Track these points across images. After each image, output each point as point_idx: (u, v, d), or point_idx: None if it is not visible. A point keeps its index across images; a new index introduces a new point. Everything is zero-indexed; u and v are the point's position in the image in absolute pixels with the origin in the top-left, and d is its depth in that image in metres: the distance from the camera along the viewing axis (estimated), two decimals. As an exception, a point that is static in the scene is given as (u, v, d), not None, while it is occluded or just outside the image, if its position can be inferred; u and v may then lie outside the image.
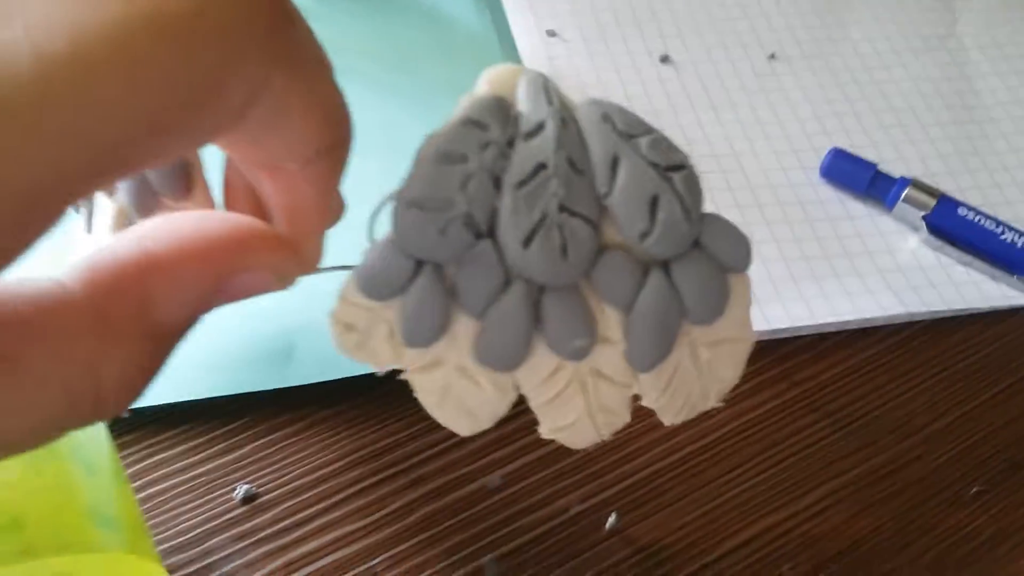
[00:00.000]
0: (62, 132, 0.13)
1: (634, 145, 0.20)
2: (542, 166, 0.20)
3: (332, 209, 0.22)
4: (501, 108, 0.20)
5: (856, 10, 0.52)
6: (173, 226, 0.18)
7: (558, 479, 0.34)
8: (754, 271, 0.39)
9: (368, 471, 0.33)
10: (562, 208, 0.19)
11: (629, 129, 0.20)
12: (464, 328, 0.21)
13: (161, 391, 0.33)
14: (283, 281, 0.20)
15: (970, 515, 0.35)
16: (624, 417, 0.23)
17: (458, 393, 0.22)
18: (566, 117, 0.20)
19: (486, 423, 0.22)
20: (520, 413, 0.34)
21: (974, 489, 0.36)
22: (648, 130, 0.21)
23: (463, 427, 0.23)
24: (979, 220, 0.42)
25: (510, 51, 0.47)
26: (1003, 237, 0.41)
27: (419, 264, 0.20)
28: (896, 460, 0.36)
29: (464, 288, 0.20)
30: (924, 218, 0.42)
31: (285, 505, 0.32)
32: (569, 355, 0.21)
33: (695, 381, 0.22)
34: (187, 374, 0.33)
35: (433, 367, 0.21)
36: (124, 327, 0.17)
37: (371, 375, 0.32)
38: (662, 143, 0.20)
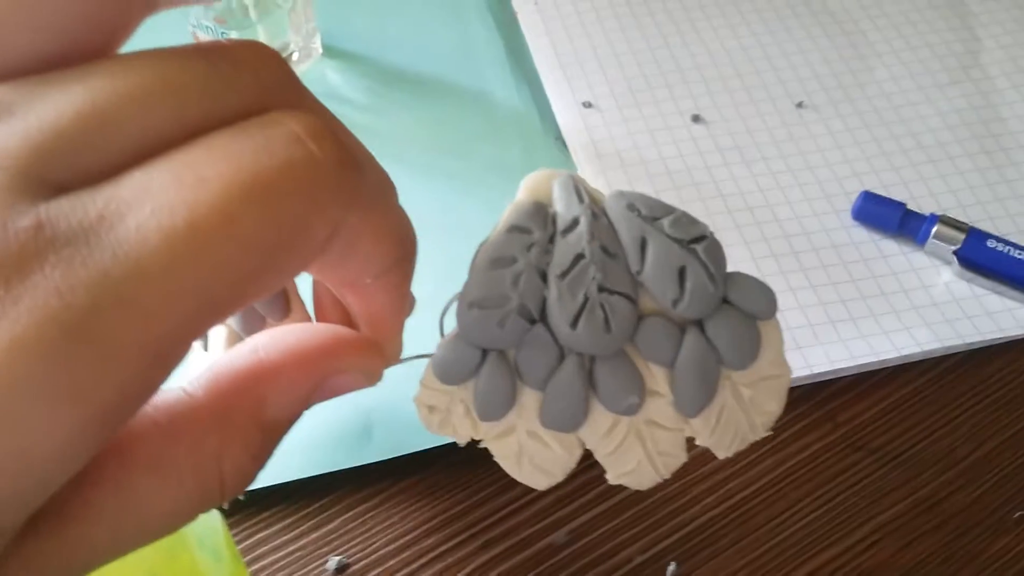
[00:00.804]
0: (184, 290, 0.16)
1: (658, 226, 0.23)
2: (580, 256, 0.23)
3: (405, 308, 0.25)
4: (539, 211, 0.23)
5: (879, 51, 0.54)
6: (280, 337, 0.22)
7: (619, 532, 0.36)
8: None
9: (444, 536, 0.36)
10: (601, 289, 0.23)
11: (652, 212, 0.23)
12: (530, 399, 0.24)
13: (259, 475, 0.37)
14: (371, 378, 0.24)
15: (1015, 539, 0.37)
16: (681, 457, 0.26)
17: (531, 454, 0.25)
18: (596, 211, 0.23)
19: (559, 477, 0.26)
20: (581, 472, 0.37)
21: (1017, 514, 0.37)
22: (670, 211, 0.24)
23: (540, 483, 0.26)
24: (1009, 250, 0.43)
25: (550, 124, 0.50)
26: (1033, 265, 0.43)
27: (484, 352, 0.23)
28: (940, 491, 0.38)
29: (525, 367, 0.24)
30: (955, 252, 0.44)
31: (372, 573, 0.35)
32: (623, 411, 0.24)
33: (741, 417, 0.25)
34: (278, 458, 0.37)
35: (506, 434, 0.25)
36: (242, 424, 0.21)
37: (442, 447, 0.35)
38: (683, 220, 0.24)
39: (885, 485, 0.38)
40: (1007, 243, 0.44)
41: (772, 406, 0.25)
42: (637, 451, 0.25)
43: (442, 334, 0.24)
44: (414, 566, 0.35)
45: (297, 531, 0.36)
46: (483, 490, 0.37)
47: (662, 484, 0.37)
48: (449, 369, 0.24)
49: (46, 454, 0.15)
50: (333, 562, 0.35)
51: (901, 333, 0.42)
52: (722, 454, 0.26)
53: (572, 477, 0.37)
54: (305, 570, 0.35)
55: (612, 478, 0.26)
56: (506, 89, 0.51)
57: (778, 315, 0.24)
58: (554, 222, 0.23)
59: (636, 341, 0.24)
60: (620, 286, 0.23)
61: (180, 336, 0.16)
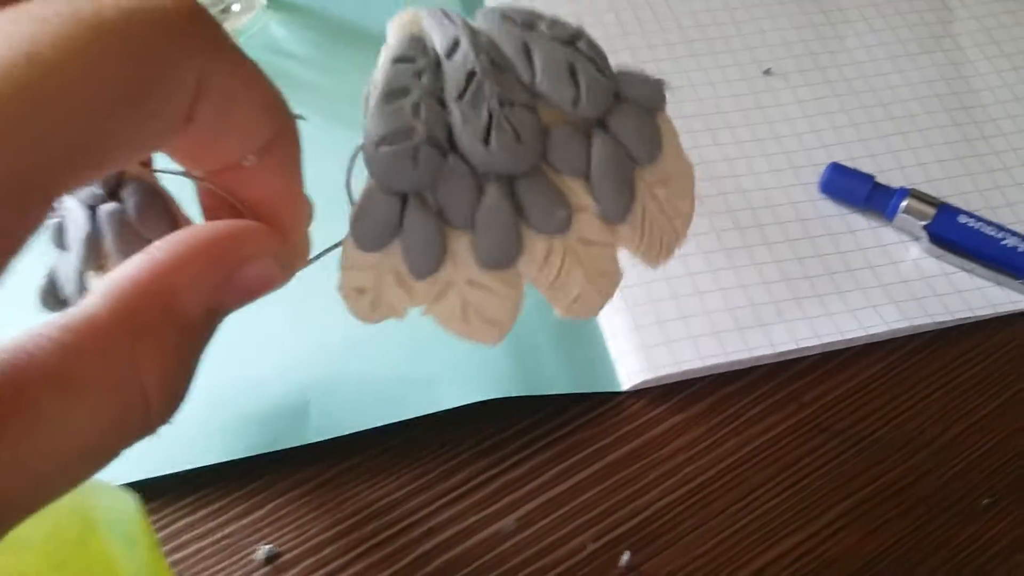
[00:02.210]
0: (29, 128, 0.15)
1: (538, 32, 0.22)
2: (472, 73, 0.22)
3: (303, 206, 0.23)
4: (417, 41, 0.22)
5: (850, 18, 0.52)
6: (173, 238, 0.20)
7: (571, 518, 0.34)
8: (756, 293, 0.40)
9: (384, 523, 0.34)
10: (502, 102, 0.21)
11: (527, 20, 0.22)
12: (460, 245, 0.22)
13: (180, 456, 0.34)
14: (285, 271, 0.21)
15: (983, 526, 0.35)
16: (619, 274, 0.24)
17: (476, 305, 0.23)
18: (473, 29, 0.22)
19: (508, 325, 0.24)
20: (527, 457, 0.35)
21: (986, 500, 0.36)
22: (540, 15, 0.23)
23: (491, 336, 0.24)
24: (980, 227, 0.42)
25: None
26: (1005, 242, 0.41)
27: (404, 200, 0.22)
28: (907, 476, 0.36)
29: (448, 205, 0.22)
30: (925, 227, 0.42)
31: (306, 562, 0.33)
32: (556, 229, 0.23)
33: (664, 221, 0.24)
34: (205, 438, 0.35)
35: (445, 292, 0.23)
36: (152, 322, 0.18)
37: (384, 428, 0.33)
38: (556, 22, 0.23)
39: (850, 469, 0.36)
40: (979, 219, 0.42)
41: (686, 205, 0.25)
42: (578, 275, 0.24)
43: (351, 200, 0.22)
44: (351, 555, 0.33)
45: (223, 518, 0.34)
46: (427, 474, 0.35)
47: (618, 466, 0.35)
48: (369, 228, 0.22)
49: None
50: (263, 551, 0.33)
51: (868, 311, 0.40)
52: (653, 264, 0.25)
53: (521, 461, 0.35)
54: (231, 560, 0.33)
55: (562, 310, 0.24)
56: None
57: (741, 287, 0.23)
58: (434, 50, 0.22)
59: (549, 158, 0.23)
60: (519, 97, 0.22)
61: (32, 180, 0.15)
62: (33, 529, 0.24)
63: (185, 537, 0.33)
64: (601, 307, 0.25)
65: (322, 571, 0.33)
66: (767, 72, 0.49)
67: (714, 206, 0.43)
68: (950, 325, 0.41)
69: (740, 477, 0.36)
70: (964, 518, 0.36)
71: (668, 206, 0.24)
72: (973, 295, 0.41)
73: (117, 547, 0.25)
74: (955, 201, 0.43)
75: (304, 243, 0.23)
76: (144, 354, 0.18)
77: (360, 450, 0.35)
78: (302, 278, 0.24)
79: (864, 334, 0.40)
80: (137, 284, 0.18)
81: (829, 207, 0.44)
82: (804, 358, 0.39)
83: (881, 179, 0.43)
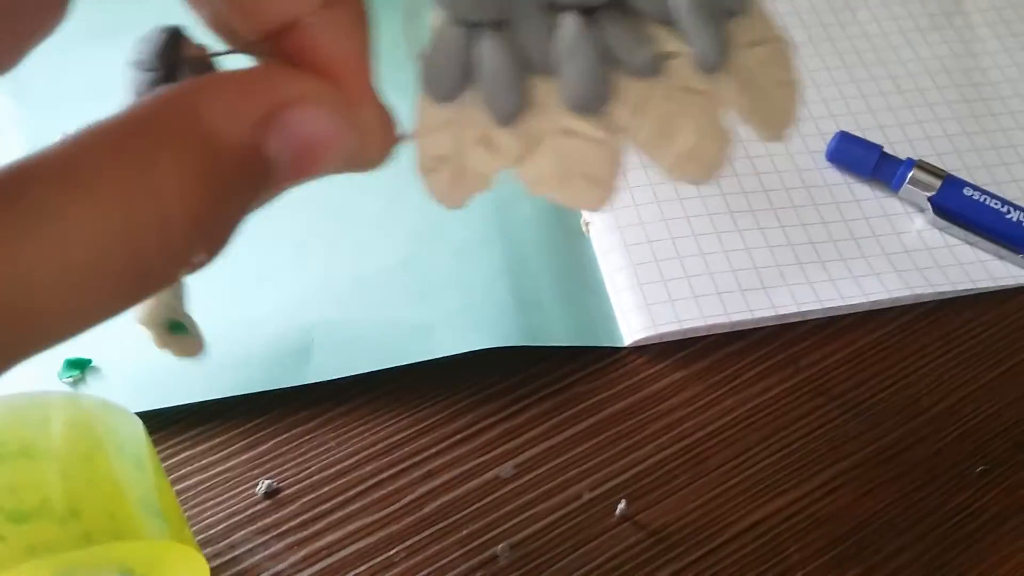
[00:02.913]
0: None
1: None
2: None
3: (368, 59, 0.19)
4: None
5: (863, -9, 0.52)
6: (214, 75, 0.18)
7: (568, 468, 0.35)
8: (760, 256, 0.40)
9: (384, 464, 0.34)
10: None
11: None
12: (544, 93, 0.20)
13: (184, 390, 0.34)
14: (349, 134, 0.18)
15: (975, 494, 0.36)
16: (731, 135, 0.22)
17: (573, 158, 0.21)
18: None
19: (612, 183, 0.21)
20: (527, 407, 0.36)
21: (979, 468, 0.36)
22: None
23: (595, 198, 0.21)
24: (985, 200, 0.42)
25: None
26: (1009, 216, 0.42)
27: (475, 33, 0.20)
28: (902, 441, 0.37)
29: (525, 45, 0.20)
30: (930, 199, 0.42)
31: (305, 499, 0.33)
32: (644, 67, 0.20)
33: (766, 81, 0.22)
34: (209, 373, 0.35)
35: (536, 146, 0.21)
36: (173, 127, 0.16)
37: (387, 371, 0.33)
38: None
39: (846, 432, 0.37)
40: (984, 192, 0.42)
41: (787, 74, 0.22)
42: (685, 125, 0.21)
43: (415, 52, 0.20)
44: (350, 493, 0.33)
45: (226, 451, 0.34)
46: (427, 419, 0.35)
47: (617, 420, 0.36)
48: (442, 70, 0.20)
49: None
50: (263, 485, 0.33)
51: (871, 279, 0.41)
52: (769, 135, 0.22)
53: (522, 410, 0.36)
54: (233, 492, 0.33)
55: (668, 168, 0.21)
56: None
57: (745, 250, 0.22)
58: None
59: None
60: None
61: None
62: (41, 439, 0.24)
63: (186, 469, 0.33)
64: (716, 169, 0.21)
65: (321, 508, 0.33)
66: (778, 41, 0.49)
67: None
68: (951, 296, 0.41)
69: (737, 435, 0.36)
70: (957, 485, 0.36)
71: (769, 70, 0.22)
72: (975, 267, 0.42)
73: (124, 466, 0.25)
74: (961, 175, 0.44)
75: (378, 118, 0.20)
76: (161, 163, 0.15)
77: (361, 392, 0.36)
78: (305, 215, 0.24)
79: (865, 300, 0.40)
80: (163, 97, 0.16)
81: (835, 176, 0.44)
82: (805, 322, 0.40)
83: (887, 150, 0.44)
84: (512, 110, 0.20)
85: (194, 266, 0.16)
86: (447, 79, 0.20)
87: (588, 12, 0.20)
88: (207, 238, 0.16)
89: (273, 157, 0.17)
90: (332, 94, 0.18)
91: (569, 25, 0.20)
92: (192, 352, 0.27)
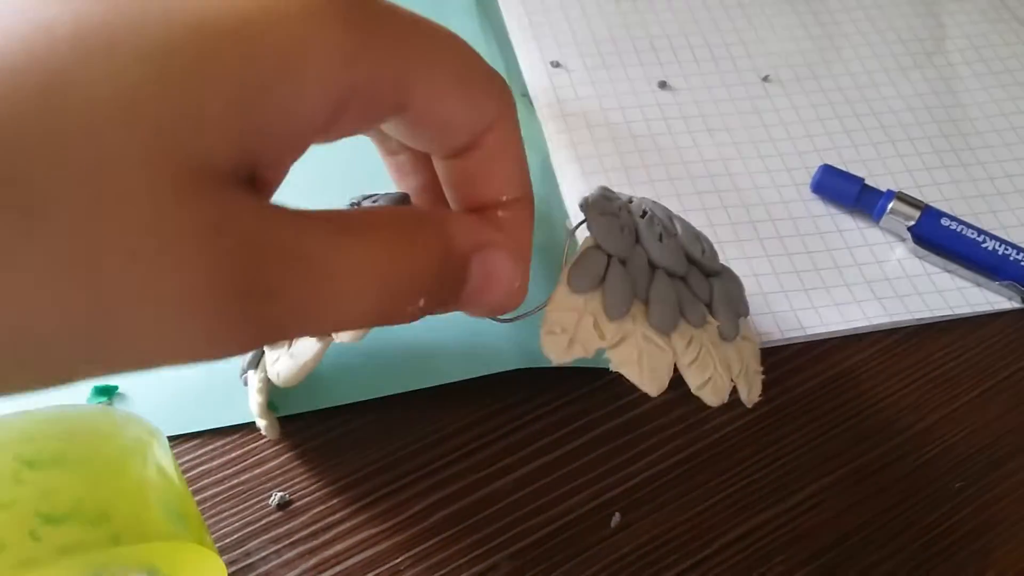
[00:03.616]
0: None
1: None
2: (645, 211, 0.33)
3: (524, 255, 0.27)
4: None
5: (847, 31, 0.54)
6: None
7: (565, 482, 0.37)
8: (747, 284, 0.42)
9: (390, 478, 0.36)
10: (661, 229, 0.32)
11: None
12: (638, 310, 0.31)
13: (204, 417, 0.37)
14: (516, 283, 0.26)
15: (952, 509, 0.37)
16: (727, 383, 0.33)
17: (647, 355, 0.30)
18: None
19: (665, 381, 0.31)
20: (526, 424, 0.37)
21: (957, 485, 0.38)
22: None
23: (654, 386, 0.31)
24: (962, 230, 0.44)
25: (516, 80, 0.50)
26: (985, 245, 0.44)
27: (608, 260, 0.30)
28: (883, 459, 0.39)
29: (634, 276, 0.31)
30: (910, 228, 0.44)
31: (316, 510, 0.35)
32: (697, 321, 0.32)
33: (752, 364, 0.35)
34: (226, 402, 0.37)
35: (626, 339, 0.30)
36: (430, 227, 0.23)
37: (389, 397, 0.35)
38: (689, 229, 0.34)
39: (828, 450, 0.39)
40: (961, 222, 0.44)
41: (757, 366, 0.36)
42: (710, 362, 0.32)
43: (565, 261, 0.31)
44: (357, 505, 0.35)
45: (241, 465, 0.36)
46: (429, 436, 0.37)
47: (611, 437, 0.38)
48: (583, 274, 0.30)
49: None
50: (276, 497, 0.35)
51: (852, 306, 0.43)
52: (746, 400, 0.34)
53: (519, 428, 0.38)
54: (248, 503, 0.35)
55: (694, 388, 0.32)
56: (474, 42, 0.50)
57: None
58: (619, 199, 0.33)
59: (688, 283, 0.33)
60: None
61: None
62: (72, 448, 0.26)
63: (204, 482, 0.35)
64: (724, 395, 0.32)
65: (331, 518, 0.35)
66: (765, 79, 0.51)
67: (710, 202, 0.46)
68: (929, 322, 0.43)
69: (724, 453, 0.38)
70: (935, 501, 0.38)
71: (751, 358, 0.35)
72: (953, 295, 0.44)
73: (149, 474, 0.27)
74: (940, 206, 0.46)
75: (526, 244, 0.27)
76: (419, 245, 0.22)
77: (369, 411, 0.38)
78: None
79: (847, 327, 0.42)
80: (419, 209, 0.26)
81: (819, 207, 0.46)
82: (788, 346, 0.42)
83: (870, 183, 0.46)
84: (620, 314, 0.30)
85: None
86: (585, 280, 0.30)
87: (672, 275, 0.32)
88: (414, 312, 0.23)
89: (470, 276, 0.24)
90: (519, 250, 0.26)
91: (661, 277, 0.31)
92: (273, 434, 0.36)
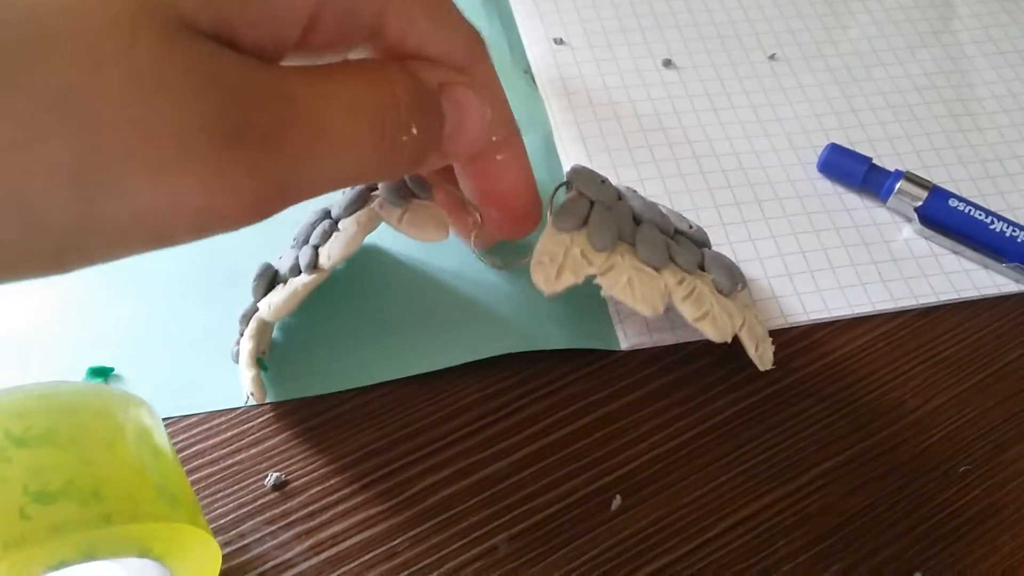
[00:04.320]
0: None
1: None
2: (628, 187, 0.36)
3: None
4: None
5: (854, 9, 0.54)
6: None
7: (565, 464, 0.36)
8: (751, 268, 0.42)
9: (387, 459, 0.35)
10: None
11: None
12: (626, 250, 0.33)
13: (199, 400, 0.36)
14: (487, 121, 0.27)
15: (958, 493, 0.37)
16: (732, 324, 0.34)
17: (637, 282, 0.32)
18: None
19: (659, 307, 0.32)
20: (525, 405, 0.37)
21: (962, 468, 0.38)
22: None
23: (647, 308, 0.32)
24: (969, 211, 0.43)
25: (520, 58, 0.49)
26: (992, 227, 0.43)
27: (592, 204, 0.33)
28: (888, 441, 0.38)
29: (619, 222, 0.33)
30: (917, 209, 0.44)
31: (312, 491, 0.35)
32: (692, 266, 0.34)
33: (759, 328, 0.37)
34: (222, 384, 0.36)
35: (615, 267, 0.32)
36: (398, 72, 0.24)
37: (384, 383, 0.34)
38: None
39: (833, 433, 0.38)
40: (969, 203, 0.44)
41: (759, 328, 0.37)
42: (707, 296, 0.34)
43: (553, 207, 0.33)
44: (355, 486, 0.35)
45: (236, 445, 0.35)
46: (428, 417, 0.37)
47: (612, 419, 0.37)
48: (567, 215, 0.32)
49: None
50: (272, 478, 0.34)
51: (858, 288, 0.42)
52: (760, 365, 0.37)
53: (518, 409, 0.37)
54: (243, 484, 0.34)
55: (692, 319, 0.33)
56: (476, 18, 0.50)
57: (737, 263, 0.39)
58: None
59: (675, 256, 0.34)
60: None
61: None
62: (65, 426, 0.25)
63: (199, 462, 0.35)
64: (727, 333, 0.34)
65: (327, 499, 0.34)
66: (772, 57, 0.51)
67: (715, 182, 0.45)
68: (935, 304, 0.42)
69: (727, 435, 0.38)
70: (940, 483, 0.37)
71: (755, 322, 0.36)
72: (959, 277, 0.43)
73: (143, 453, 0.27)
74: (947, 187, 0.45)
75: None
76: (396, 77, 0.23)
77: (364, 393, 0.37)
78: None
79: (851, 313, 0.41)
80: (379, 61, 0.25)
81: (826, 186, 0.46)
82: (794, 327, 0.41)
83: (877, 163, 0.45)
84: (605, 244, 0.32)
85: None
86: (569, 220, 0.32)
87: (660, 230, 0.34)
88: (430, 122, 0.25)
89: (445, 113, 0.25)
90: (484, 87, 0.27)
91: (649, 226, 0.34)
92: (259, 394, 0.35)
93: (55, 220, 0.17)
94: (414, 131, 0.23)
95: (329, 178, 0.22)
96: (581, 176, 0.34)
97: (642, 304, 0.32)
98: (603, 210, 0.33)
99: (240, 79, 0.19)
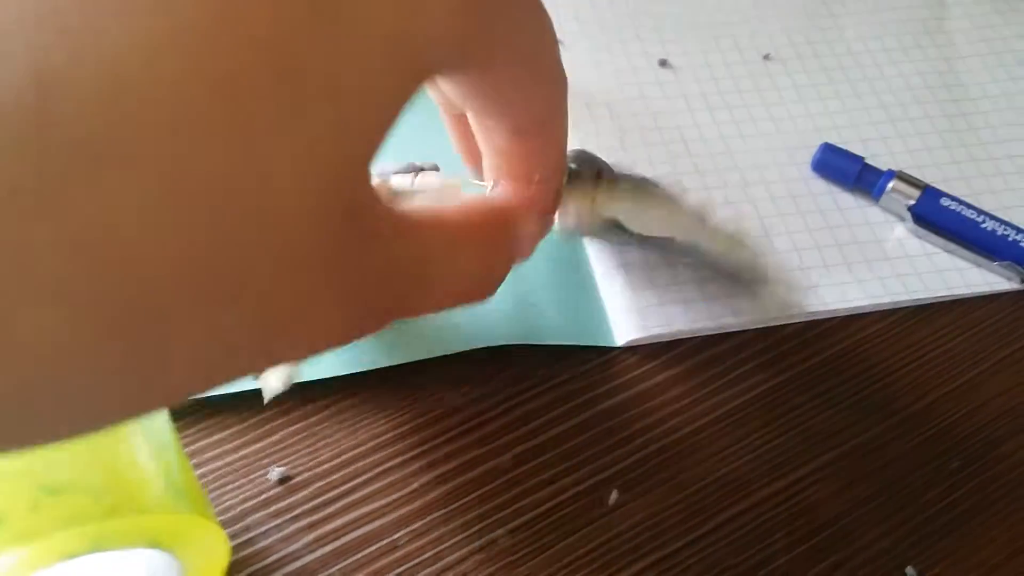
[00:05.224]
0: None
1: None
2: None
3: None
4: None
5: (849, 10, 0.54)
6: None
7: (564, 459, 0.37)
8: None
9: (389, 454, 0.36)
10: None
11: None
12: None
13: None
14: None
15: (950, 488, 0.38)
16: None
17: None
18: None
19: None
20: (524, 402, 0.37)
21: (955, 464, 0.38)
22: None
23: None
24: (961, 210, 0.44)
25: (517, 59, 0.50)
26: (984, 226, 0.44)
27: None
28: (881, 437, 0.39)
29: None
30: (909, 208, 0.44)
31: (316, 485, 0.35)
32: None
33: None
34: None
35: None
36: (508, 238, 0.26)
37: (390, 368, 0.35)
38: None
39: (827, 428, 0.39)
40: (961, 202, 0.44)
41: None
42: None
43: None
44: (357, 481, 0.35)
45: (240, 440, 0.36)
46: (432, 411, 0.37)
47: (608, 415, 0.38)
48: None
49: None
50: (276, 472, 0.35)
51: (852, 286, 0.43)
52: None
53: (518, 405, 0.38)
54: (248, 478, 0.35)
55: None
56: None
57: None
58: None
59: None
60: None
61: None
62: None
63: (204, 456, 0.35)
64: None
65: (330, 493, 0.35)
66: (766, 57, 0.51)
67: (711, 181, 0.46)
68: (928, 302, 0.43)
69: (723, 430, 0.38)
70: (933, 479, 0.38)
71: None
72: (952, 275, 0.44)
73: (150, 447, 0.27)
74: (940, 186, 0.46)
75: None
76: (506, 239, 0.26)
77: (368, 386, 0.37)
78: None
79: (846, 307, 0.42)
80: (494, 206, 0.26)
81: (820, 186, 0.46)
82: (789, 325, 0.42)
83: (870, 163, 0.46)
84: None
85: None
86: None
87: None
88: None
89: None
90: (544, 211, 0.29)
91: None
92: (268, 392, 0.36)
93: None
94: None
95: (418, 314, 0.23)
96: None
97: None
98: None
99: (391, 254, 0.20)
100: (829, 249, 0.44)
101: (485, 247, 0.24)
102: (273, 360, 0.19)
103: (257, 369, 0.19)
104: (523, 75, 0.24)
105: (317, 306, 0.18)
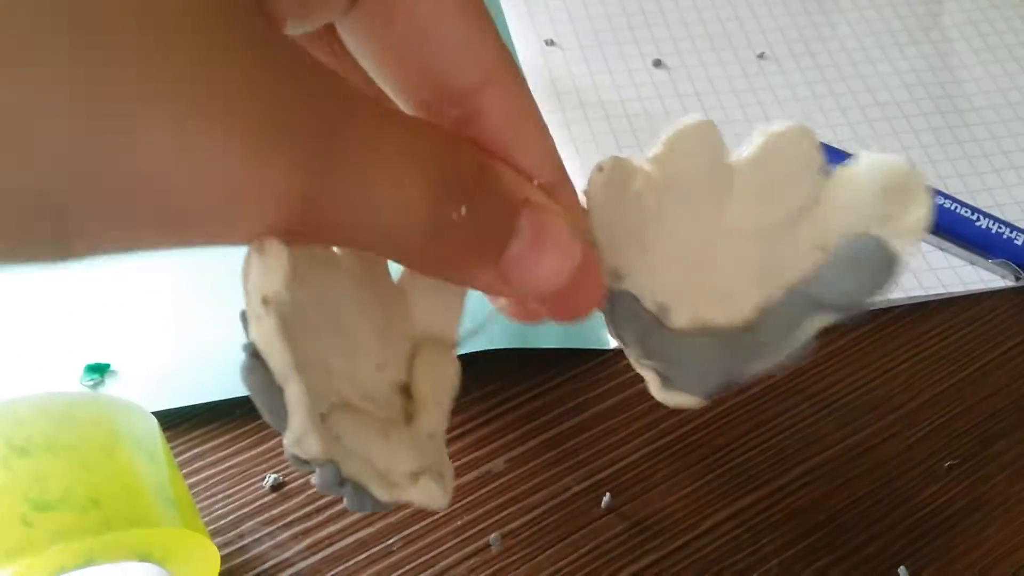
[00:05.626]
0: None
1: None
2: None
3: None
4: None
5: (843, 7, 0.54)
6: None
7: (557, 463, 0.37)
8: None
9: (383, 459, 0.36)
10: None
11: None
12: None
13: (196, 391, 0.37)
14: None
15: (943, 487, 0.38)
16: None
17: None
18: None
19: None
20: (517, 406, 0.37)
21: (947, 463, 0.38)
22: None
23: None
24: (956, 208, 0.44)
25: (511, 60, 0.50)
26: (979, 224, 0.44)
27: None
28: (874, 437, 0.39)
29: None
30: (904, 208, 0.44)
31: (309, 492, 0.35)
32: None
33: None
34: (216, 376, 0.37)
35: None
36: (473, 151, 0.21)
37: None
38: None
39: (820, 429, 0.39)
40: (955, 200, 0.44)
41: None
42: None
43: None
44: (351, 487, 0.35)
45: (234, 448, 0.36)
46: (424, 417, 0.37)
47: (602, 418, 0.38)
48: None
49: None
50: (270, 479, 0.35)
51: (846, 284, 0.43)
52: None
53: (511, 409, 0.38)
54: (241, 486, 0.35)
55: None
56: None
57: None
58: None
59: None
60: None
61: None
62: (63, 434, 0.26)
63: (198, 464, 0.36)
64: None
65: (323, 500, 0.35)
66: (761, 56, 0.51)
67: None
68: (922, 300, 0.43)
69: (715, 433, 0.38)
70: (926, 478, 0.38)
71: None
72: (946, 273, 0.44)
73: (140, 460, 0.28)
74: (935, 184, 0.46)
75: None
76: (466, 149, 0.20)
77: (361, 393, 0.38)
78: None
79: (840, 305, 0.42)
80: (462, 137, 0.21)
81: (814, 185, 0.46)
82: (782, 325, 0.42)
83: (864, 161, 0.46)
84: None
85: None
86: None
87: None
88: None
89: (519, 228, 0.21)
90: (576, 227, 0.22)
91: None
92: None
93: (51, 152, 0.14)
94: (463, 210, 0.19)
95: (365, 216, 0.18)
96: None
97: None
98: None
99: (318, 75, 0.17)
100: (822, 249, 0.44)
101: (437, 140, 0.19)
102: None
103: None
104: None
105: (198, 68, 0.15)
